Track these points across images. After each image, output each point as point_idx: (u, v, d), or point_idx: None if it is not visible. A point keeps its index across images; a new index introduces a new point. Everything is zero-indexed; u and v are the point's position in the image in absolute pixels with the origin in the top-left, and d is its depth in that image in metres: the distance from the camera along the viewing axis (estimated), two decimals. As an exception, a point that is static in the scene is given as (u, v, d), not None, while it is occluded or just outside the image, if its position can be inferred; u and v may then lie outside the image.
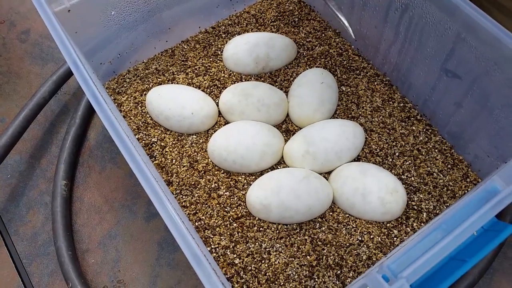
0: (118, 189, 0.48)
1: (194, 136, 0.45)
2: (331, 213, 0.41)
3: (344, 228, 0.40)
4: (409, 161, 0.43)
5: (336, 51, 0.50)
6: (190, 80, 0.48)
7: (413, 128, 0.45)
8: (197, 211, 0.41)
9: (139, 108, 0.47)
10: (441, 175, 0.43)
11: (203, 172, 0.43)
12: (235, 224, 0.40)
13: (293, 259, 0.39)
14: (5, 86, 0.56)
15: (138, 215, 0.47)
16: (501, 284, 0.42)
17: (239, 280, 0.38)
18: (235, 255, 0.39)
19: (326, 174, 0.43)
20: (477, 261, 0.29)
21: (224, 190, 0.42)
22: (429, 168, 0.43)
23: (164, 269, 0.44)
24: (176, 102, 0.44)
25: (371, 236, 0.39)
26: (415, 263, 0.27)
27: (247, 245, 0.39)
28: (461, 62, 0.40)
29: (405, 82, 0.47)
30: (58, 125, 0.53)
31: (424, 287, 0.29)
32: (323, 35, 0.51)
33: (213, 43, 0.51)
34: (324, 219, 0.41)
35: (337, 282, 0.38)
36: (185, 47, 0.51)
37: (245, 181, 0.43)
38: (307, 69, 0.48)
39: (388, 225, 0.40)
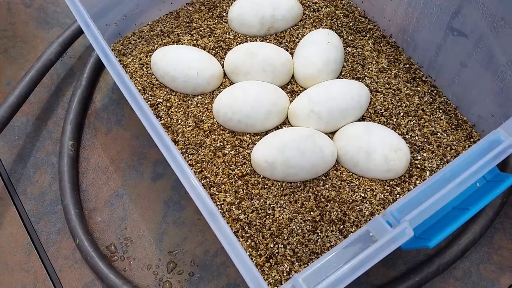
0: (124, 150, 0.49)
1: (200, 97, 0.45)
2: (334, 172, 0.41)
3: (347, 186, 0.40)
4: (414, 121, 0.43)
5: (343, 13, 0.49)
6: (195, 41, 0.48)
7: (418, 89, 0.45)
8: (203, 169, 0.42)
9: (145, 69, 0.47)
10: (444, 134, 0.43)
11: (208, 131, 0.43)
12: (240, 182, 0.41)
13: (296, 214, 0.39)
14: (10, 50, 0.56)
15: (145, 175, 0.47)
16: (502, 242, 0.43)
17: (244, 234, 0.39)
18: (240, 211, 0.40)
19: (331, 134, 0.43)
20: (480, 209, 0.29)
21: (229, 149, 0.42)
22: (433, 128, 0.43)
23: (170, 226, 0.45)
24: (181, 62, 0.44)
25: (374, 193, 0.40)
26: (417, 208, 0.28)
27: (252, 201, 0.40)
28: (467, 19, 0.39)
29: (411, 43, 0.46)
30: (64, 88, 0.53)
31: (428, 235, 0.29)
32: (329, -4, 0.51)
33: (218, 4, 0.51)
34: (328, 177, 0.41)
35: (340, 236, 0.38)
36: (190, 9, 0.51)
37: (250, 140, 0.43)
38: (313, 30, 0.48)
39: (391, 182, 0.40)
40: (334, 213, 0.39)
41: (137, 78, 0.47)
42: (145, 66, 0.48)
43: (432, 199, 0.28)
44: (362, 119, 0.44)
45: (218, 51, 0.48)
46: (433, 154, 0.42)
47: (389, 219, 0.28)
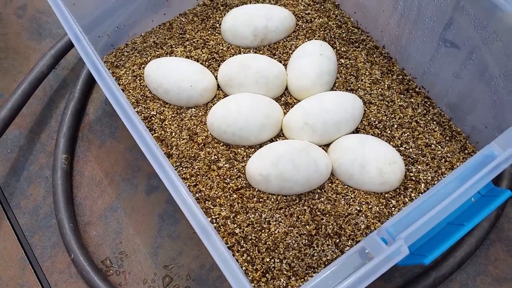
0: (118, 163, 0.48)
1: (193, 109, 0.45)
2: (329, 184, 0.41)
3: (342, 199, 0.40)
4: (408, 133, 0.43)
5: (335, 23, 0.49)
6: (188, 53, 0.48)
7: (412, 100, 0.45)
8: (197, 183, 0.41)
9: (138, 81, 0.47)
10: (439, 146, 0.43)
11: (202, 144, 0.43)
12: (235, 195, 0.41)
13: (292, 228, 0.39)
14: (2, 61, 0.56)
15: (139, 188, 0.47)
16: (498, 254, 0.43)
17: (239, 249, 0.38)
18: (235, 225, 0.39)
19: (325, 147, 0.43)
20: (475, 225, 0.29)
21: (223, 162, 0.42)
22: (427, 140, 0.43)
23: (166, 240, 0.44)
24: (174, 74, 0.44)
25: (369, 206, 0.40)
26: (413, 225, 0.28)
27: (247, 215, 0.40)
28: (459, 31, 0.40)
29: (404, 54, 0.47)
30: (57, 100, 0.53)
31: (423, 251, 0.29)
32: (322, 7, 0.51)
33: (211, 15, 0.51)
34: (323, 190, 0.41)
35: (336, 250, 0.38)
36: (183, 20, 0.51)
37: (245, 153, 0.43)
38: (306, 41, 0.48)
39: (386, 195, 0.41)
40: (330, 226, 0.39)
41: (130, 90, 0.47)
42: (138, 78, 0.47)
43: (427, 216, 0.28)
44: (356, 131, 0.44)
45: (212, 62, 0.48)
46: (428, 166, 0.42)
47: (384, 236, 0.28)
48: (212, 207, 0.40)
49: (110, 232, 0.45)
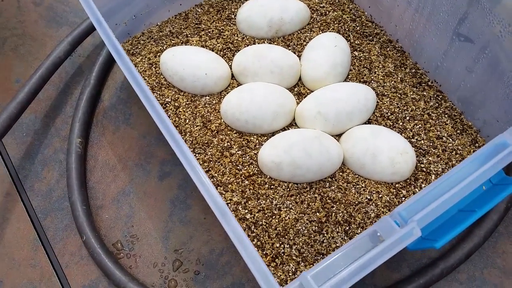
0: (132, 148, 0.49)
1: (207, 97, 0.46)
2: (341, 173, 0.42)
3: (353, 188, 0.41)
4: (419, 125, 0.44)
5: (350, 17, 0.50)
6: (203, 42, 0.49)
7: (424, 93, 0.46)
8: (210, 169, 0.42)
9: (153, 69, 0.48)
10: (450, 139, 0.43)
11: (216, 131, 0.44)
12: (246, 182, 0.41)
13: (303, 215, 0.39)
14: (20, 48, 0.57)
15: (152, 174, 0.48)
16: (506, 247, 0.43)
17: (250, 234, 0.39)
18: (246, 211, 0.40)
19: (337, 137, 0.44)
20: (486, 211, 0.30)
21: (236, 149, 0.43)
22: (438, 132, 0.43)
23: (177, 225, 0.45)
24: (190, 62, 0.45)
25: (380, 196, 0.40)
26: (425, 209, 0.28)
27: (258, 201, 0.40)
28: (474, 25, 0.40)
29: (417, 48, 0.47)
30: (73, 86, 0.54)
31: (434, 236, 0.30)
32: (337, 0, 0.51)
33: (226, 6, 0.51)
34: (334, 178, 0.41)
35: (346, 238, 0.39)
36: (199, 11, 0.52)
37: (257, 141, 0.43)
38: (320, 34, 0.48)
39: (397, 185, 0.41)
40: (340, 214, 0.39)
41: (145, 77, 0.47)
42: (154, 66, 0.48)
43: (440, 200, 0.28)
44: (369, 122, 0.44)
45: (226, 52, 0.48)
46: (439, 158, 0.42)
47: (396, 219, 0.29)
48: (224, 193, 0.41)
49: (122, 216, 0.46)
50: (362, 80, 0.46)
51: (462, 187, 0.28)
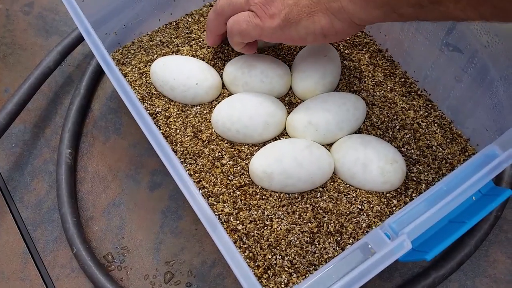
0: (122, 159, 0.49)
1: (198, 107, 0.46)
2: (332, 183, 0.42)
3: (344, 198, 0.41)
4: (409, 134, 0.44)
5: (339, 26, 0.50)
6: (194, 52, 0.49)
7: (414, 102, 0.46)
8: (201, 179, 0.42)
9: (144, 78, 0.48)
10: (440, 148, 0.43)
11: (207, 141, 0.44)
12: (238, 192, 0.41)
13: (294, 225, 0.39)
14: (9, 57, 0.56)
15: (142, 184, 0.47)
16: (497, 256, 0.43)
17: (242, 245, 0.39)
18: (238, 222, 0.40)
19: (328, 146, 0.44)
20: (476, 222, 0.30)
21: (227, 159, 0.43)
22: (428, 141, 0.44)
23: (168, 236, 0.45)
24: (180, 72, 0.45)
25: (371, 205, 0.40)
26: (415, 221, 0.28)
27: (250, 212, 0.40)
28: (462, 35, 0.40)
29: (407, 57, 0.47)
30: (62, 95, 0.53)
31: (425, 248, 0.30)
32: (327, 10, 0.52)
33: (217, 16, 0.51)
34: (325, 188, 0.42)
35: (337, 248, 0.39)
36: (189, 20, 0.52)
37: (248, 151, 0.43)
38: (311, 43, 0.48)
39: (387, 195, 0.41)
40: (332, 224, 0.39)
41: (136, 87, 0.47)
42: (144, 75, 0.48)
43: (430, 212, 0.28)
44: (359, 131, 0.44)
45: (217, 61, 0.48)
46: (429, 167, 0.42)
47: (387, 231, 0.29)
48: (215, 204, 0.41)
49: (113, 227, 0.46)
50: (352, 89, 0.46)
51: (452, 199, 0.28)
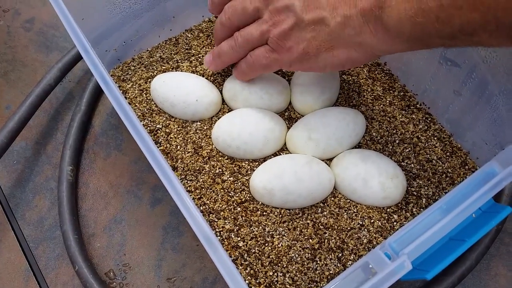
0: (123, 175, 0.49)
1: (199, 123, 0.46)
2: (332, 198, 0.42)
3: (345, 213, 0.41)
4: (409, 149, 0.44)
5: (338, 41, 0.50)
6: (194, 68, 0.49)
7: (413, 116, 0.46)
8: (202, 196, 0.42)
9: (144, 95, 0.48)
10: (440, 162, 0.44)
11: (207, 158, 0.44)
12: (239, 209, 0.41)
13: (295, 242, 0.40)
14: (10, 74, 0.57)
15: (143, 200, 0.48)
16: (498, 269, 0.43)
17: (243, 262, 0.39)
18: (239, 238, 0.40)
19: (328, 161, 0.44)
20: (476, 240, 0.30)
21: (228, 176, 0.43)
22: (428, 155, 0.44)
23: (169, 253, 0.45)
24: (180, 88, 0.45)
25: (372, 221, 0.40)
26: (416, 241, 0.28)
27: (251, 228, 0.40)
28: (460, 50, 0.41)
29: (405, 71, 0.47)
30: (63, 112, 0.54)
31: (425, 266, 0.30)
32: (325, 24, 0.52)
33: (216, 32, 0.52)
34: (326, 204, 0.42)
35: (339, 265, 0.39)
36: (189, 36, 0.52)
37: (249, 167, 0.43)
38: (310, 58, 0.48)
39: (388, 210, 0.41)
40: (333, 240, 0.39)
41: (136, 104, 0.47)
42: (145, 92, 0.48)
43: (430, 232, 0.28)
44: (359, 146, 0.44)
45: (217, 77, 0.49)
46: (429, 182, 0.42)
47: (387, 251, 0.29)
48: (216, 220, 0.41)
49: (114, 244, 0.46)
50: (351, 104, 0.46)
51: (452, 218, 0.29)
